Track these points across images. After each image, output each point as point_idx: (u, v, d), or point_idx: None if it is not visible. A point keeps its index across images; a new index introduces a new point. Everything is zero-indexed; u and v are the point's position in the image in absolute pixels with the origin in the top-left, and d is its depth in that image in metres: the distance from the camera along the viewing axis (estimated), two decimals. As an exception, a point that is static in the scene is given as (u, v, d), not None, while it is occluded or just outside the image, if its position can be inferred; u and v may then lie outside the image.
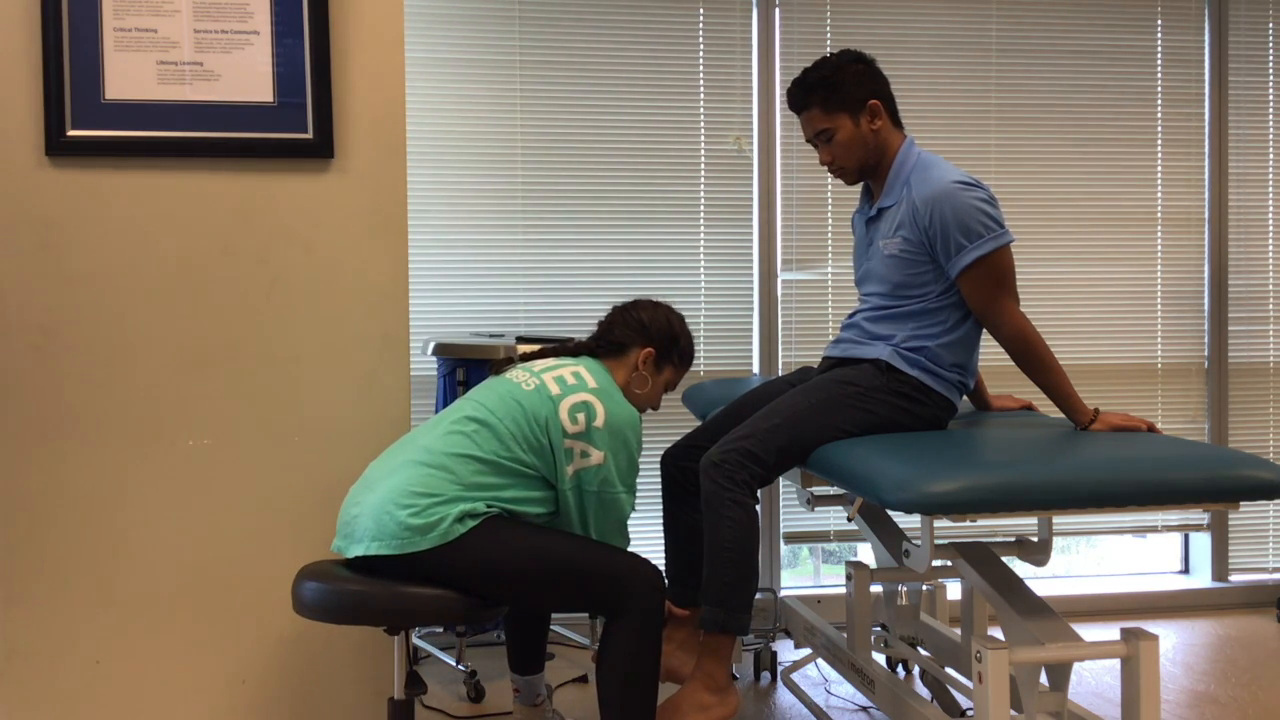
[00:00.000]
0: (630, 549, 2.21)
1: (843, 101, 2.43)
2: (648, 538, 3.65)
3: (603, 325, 2.38)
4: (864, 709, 2.95)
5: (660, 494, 2.65)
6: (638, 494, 3.64)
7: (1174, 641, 3.59)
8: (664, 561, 2.66)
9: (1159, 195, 3.96)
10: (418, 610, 1.99)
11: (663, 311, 2.38)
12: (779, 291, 3.74)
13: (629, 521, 2.26)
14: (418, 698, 3.03)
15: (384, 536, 2.01)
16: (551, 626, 3.57)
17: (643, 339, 2.34)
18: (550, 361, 2.27)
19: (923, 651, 2.89)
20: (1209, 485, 1.95)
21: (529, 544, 2.04)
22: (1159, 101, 3.95)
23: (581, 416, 2.13)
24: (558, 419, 2.12)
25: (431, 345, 3.08)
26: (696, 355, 3.67)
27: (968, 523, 3.25)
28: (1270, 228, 4.04)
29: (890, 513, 3.27)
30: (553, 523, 2.22)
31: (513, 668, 2.48)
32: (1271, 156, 4.02)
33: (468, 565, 2.01)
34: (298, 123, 2.45)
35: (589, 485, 2.14)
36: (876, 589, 3.10)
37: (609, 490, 2.16)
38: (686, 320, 2.42)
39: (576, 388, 2.16)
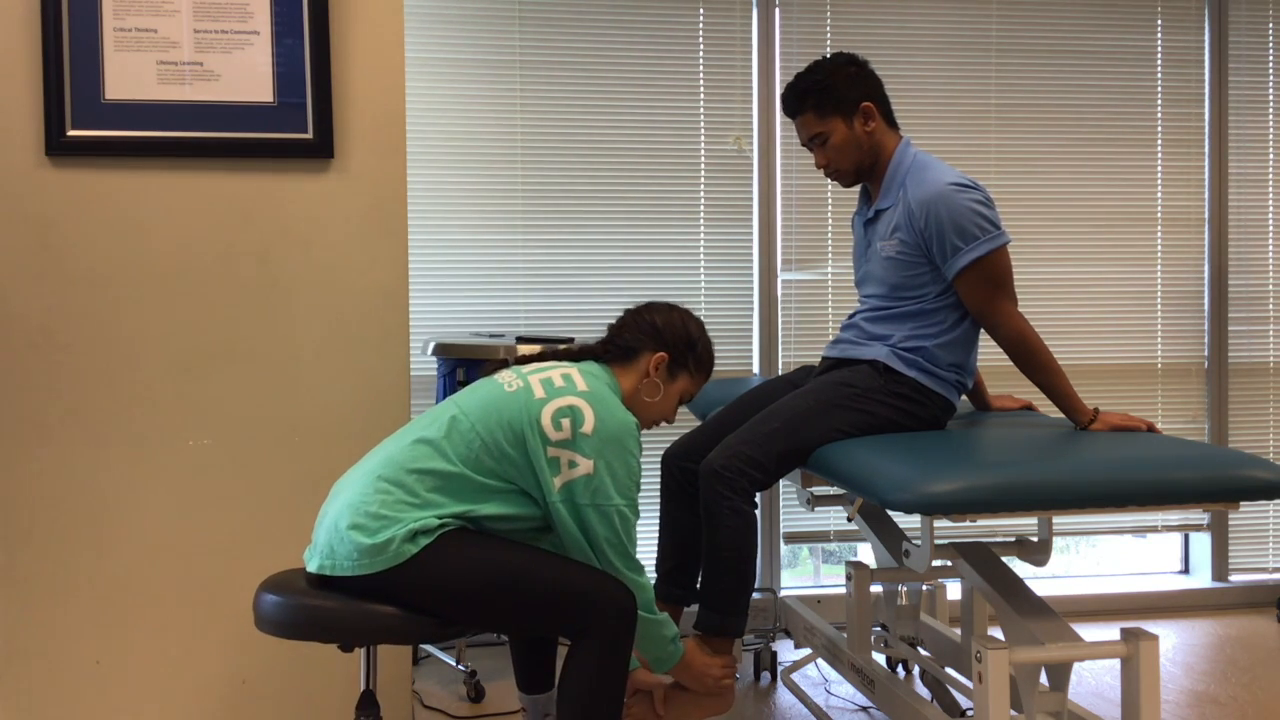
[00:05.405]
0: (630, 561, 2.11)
1: (836, 105, 2.43)
2: (645, 539, 3.64)
3: (613, 328, 2.23)
4: (864, 709, 2.95)
5: (659, 495, 2.65)
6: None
7: (1174, 641, 3.59)
8: (655, 558, 2.67)
9: (1159, 195, 3.96)
10: (368, 628, 1.89)
11: (679, 315, 2.22)
12: (779, 291, 3.74)
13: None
14: (417, 699, 3.03)
15: (336, 557, 1.92)
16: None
17: (655, 343, 2.18)
18: (543, 364, 2.11)
19: (923, 651, 2.89)
20: (1209, 485, 1.95)
21: (483, 560, 1.91)
22: (1159, 101, 3.94)
23: (566, 422, 1.96)
24: (539, 426, 1.96)
25: (431, 345, 3.08)
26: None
27: (968, 523, 3.25)
28: (1270, 228, 4.04)
29: (890, 513, 3.27)
30: (555, 545, 2.11)
31: (520, 686, 2.36)
32: (1271, 156, 4.02)
33: (421, 585, 1.89)
34: (298, 123, 2.45)
35: (580, 498, 1.97)
36: (876, 589, 3.10)
37: (604, 503, 1.97)
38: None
39: (564, 391, 2.00)
